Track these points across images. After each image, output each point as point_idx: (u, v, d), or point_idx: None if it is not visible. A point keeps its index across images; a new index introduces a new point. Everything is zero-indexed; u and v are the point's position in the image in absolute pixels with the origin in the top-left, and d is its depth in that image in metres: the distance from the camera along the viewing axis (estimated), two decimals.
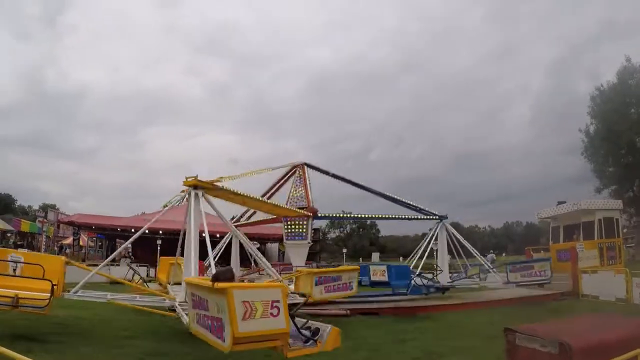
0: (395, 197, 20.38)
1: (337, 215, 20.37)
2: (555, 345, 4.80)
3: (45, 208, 66.03)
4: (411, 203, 20.30)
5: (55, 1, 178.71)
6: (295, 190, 18.41)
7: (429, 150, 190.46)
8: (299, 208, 17.31)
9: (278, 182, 19.93)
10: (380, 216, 21.49)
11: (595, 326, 5.96)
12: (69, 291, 9.63)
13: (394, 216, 21.09)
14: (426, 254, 20.04)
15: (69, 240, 48.46)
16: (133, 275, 15.12)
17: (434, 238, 20.00)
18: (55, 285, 8.59)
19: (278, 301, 5.43)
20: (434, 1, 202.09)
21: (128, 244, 15.40)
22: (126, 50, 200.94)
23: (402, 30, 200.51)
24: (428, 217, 20.14)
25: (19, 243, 39.48)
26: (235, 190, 13.45)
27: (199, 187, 11.30)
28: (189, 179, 11.18)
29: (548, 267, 17.25)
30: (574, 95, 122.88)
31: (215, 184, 12.55)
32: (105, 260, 15.27)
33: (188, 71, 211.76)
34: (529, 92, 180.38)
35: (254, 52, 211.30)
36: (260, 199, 16.87)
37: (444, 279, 18.23)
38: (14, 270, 9.18)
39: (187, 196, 12.03)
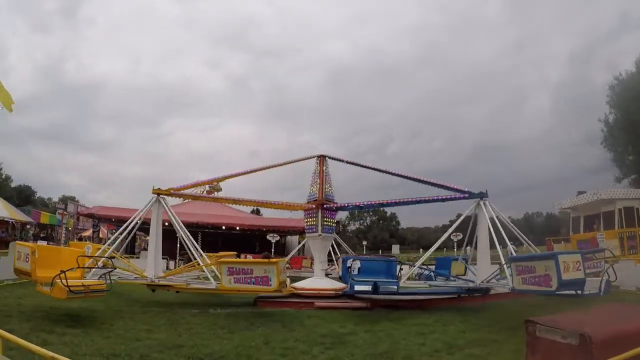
0: (420, 178, 16.86)
1: (350, 204, 18.89)
2: (575, 336, 4.77)
3: (64, 200, 66.78)
4: (440, 183, 16.44)
5: None
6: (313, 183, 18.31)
7: (448, 143, 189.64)
8: (313, 200, 17.17)
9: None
10: (400, 200, 18.19)
11: (616, 317, 5.91)
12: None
13: (417, 200, 16.87)
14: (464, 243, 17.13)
15: (89, 232, 49.00)
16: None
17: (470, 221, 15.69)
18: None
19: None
20: None
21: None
22: (146, 42, 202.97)
23: (420, 24, 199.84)
24: (462, 196, 15.80)
25: (41, 235, 40.05)
26: (195, 194, 18.59)
27: (161, 194, 15.81)
28: (155, 189, 15.82)
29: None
30: (593, 86, 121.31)
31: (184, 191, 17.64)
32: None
33: (208, 64, 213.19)
34: (548, 83, 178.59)
35: (273, 45, 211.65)
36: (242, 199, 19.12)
37: (483, 276, 14.48)
38: None
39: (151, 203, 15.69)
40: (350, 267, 14.57)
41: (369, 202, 18.54)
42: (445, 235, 18.00)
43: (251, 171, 17.90)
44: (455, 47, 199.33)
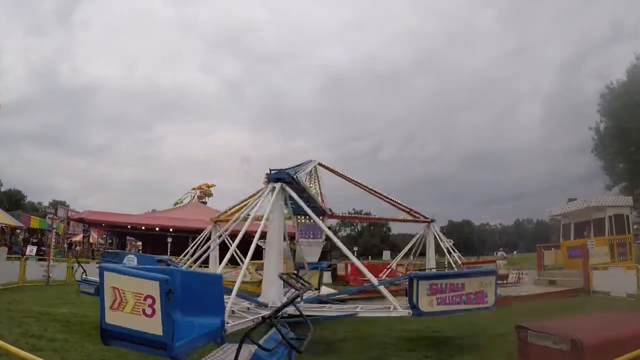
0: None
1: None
2: (567, 342, 4.78)
3: (55, 205, 66.32)
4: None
5: None
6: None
7: (441, 150, 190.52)
8: None
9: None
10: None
11: (608, 323, 5.93)
12: None
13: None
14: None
15: (79, 237, 48.63)
16: None
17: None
18: None
19: None
20: (448, 2, 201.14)
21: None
22: (141, 46, 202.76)
23: (417, 31, 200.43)
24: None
25: (33, 241, 39.72)
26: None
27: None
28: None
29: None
30: (584, 95, 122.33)
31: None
32: None
33: (203, 68, 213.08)
34: (540, 92, 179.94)
35: (269, 51, 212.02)
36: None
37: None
38: None
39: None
40: None
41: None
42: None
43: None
44: (451, 54, 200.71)
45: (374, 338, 9.92)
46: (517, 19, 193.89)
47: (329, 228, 18.72)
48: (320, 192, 17.01)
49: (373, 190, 20.40)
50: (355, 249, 54.50)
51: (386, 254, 65.16)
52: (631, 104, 39.95)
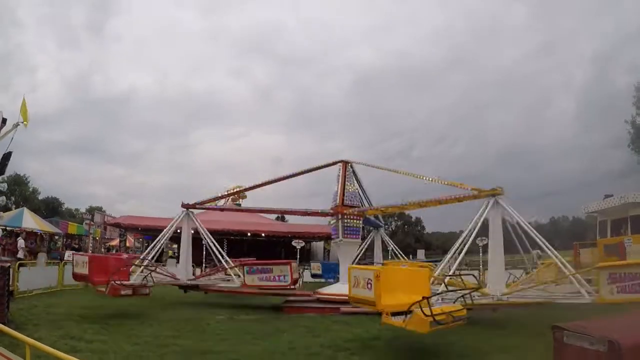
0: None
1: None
2: (604, 343, 4.69)
3: (91, 210, 67.70)
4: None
5: (102, 9, 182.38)
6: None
7: (473, 147, 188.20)
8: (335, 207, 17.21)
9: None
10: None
11: None
12: None
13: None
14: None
15: (116, 242, 49.56)
16: None
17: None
18: None
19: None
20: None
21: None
22: (173, 56, 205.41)
23: (445, 28, 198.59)
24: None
25: (75, 246, 40.62)
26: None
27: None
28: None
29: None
30: (618, 88, 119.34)
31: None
32: None
33: (233, 73, 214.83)
34: (572, 87, 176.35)
35: (298, 53, 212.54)
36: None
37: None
38: None
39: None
40: None
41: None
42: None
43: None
44: (481, 51, 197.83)
45: None
46: (548, 13, 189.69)
47: (363, 227, 18.59)
48: (341, 191, 16.87)
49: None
50: (390, 248, 54.07)
51: (421, 253, 64.69)
52: None
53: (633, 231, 22.16)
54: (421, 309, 7.23)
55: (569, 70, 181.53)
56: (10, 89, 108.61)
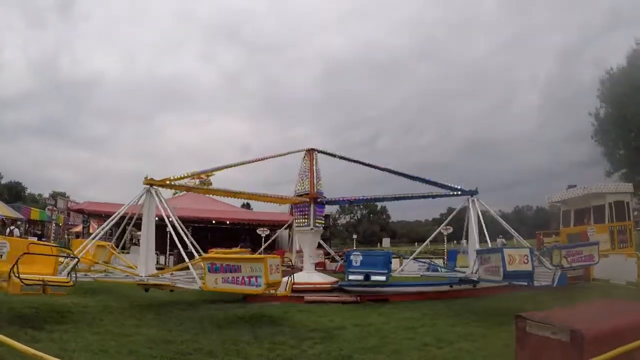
0: (413, 175, 17.27)
1: (343, 199, 18.68)
2: (566, 332, 4.69)
3: (55, 196, 66.38)
4: (433, 180, 16.84)
5: None
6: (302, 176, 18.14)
7: (440, 138, 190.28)
8: (305, 194, 17.08)
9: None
10: (393, 196, 18.19)
11: (608, 312, 5.84)
12: None
13: (410, 195, 17.35)
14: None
15: (79, 228, 48.73)
16: None
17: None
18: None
19: None
20: None
21: None
22: (141, 37, 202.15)
23: (416, 19, 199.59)
24: (454, 193, 16.64)
25: (37, 232, 39.82)
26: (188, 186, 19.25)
27: (153, 185, 14.60)
28: (147, 179, 14.79)
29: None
30: (582, 83, 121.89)
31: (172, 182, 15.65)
32: None
33: (201, 59, 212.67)
34: (539, 80, 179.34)
35: (268, 40, 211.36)
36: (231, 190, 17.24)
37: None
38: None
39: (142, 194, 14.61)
40: (351, 260, 15.10)
41: (361, 197, 18.50)
42: (438, 229, 19.49)
43: (241, 163, 17.53)
44: (451, 43, 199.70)
45: None
46: (518, 7, 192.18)
47: (328, 215, 18.56)
48: (311, 179, 16.73)
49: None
50: (355, 236, 54.33)
51: (386, 241, 65.36)
52: (631, 90, 39.72)
53: (596, 221, 22.60)
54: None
55: (535, 63, 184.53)
56: None
